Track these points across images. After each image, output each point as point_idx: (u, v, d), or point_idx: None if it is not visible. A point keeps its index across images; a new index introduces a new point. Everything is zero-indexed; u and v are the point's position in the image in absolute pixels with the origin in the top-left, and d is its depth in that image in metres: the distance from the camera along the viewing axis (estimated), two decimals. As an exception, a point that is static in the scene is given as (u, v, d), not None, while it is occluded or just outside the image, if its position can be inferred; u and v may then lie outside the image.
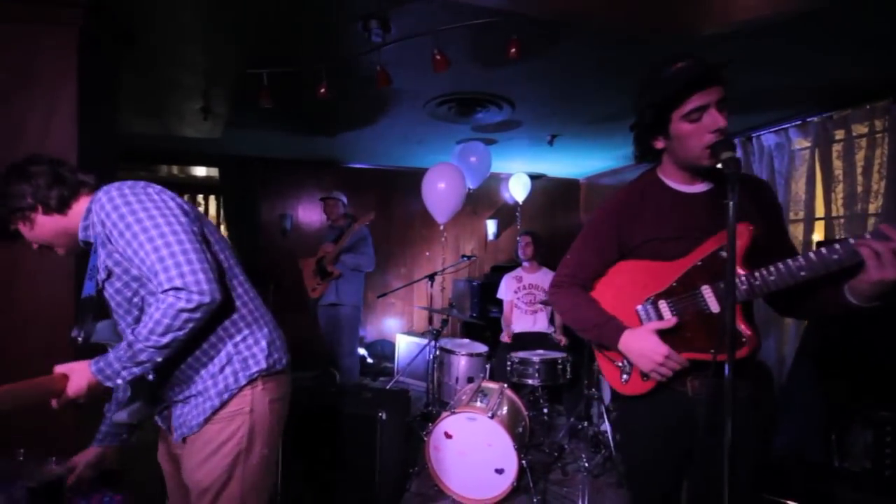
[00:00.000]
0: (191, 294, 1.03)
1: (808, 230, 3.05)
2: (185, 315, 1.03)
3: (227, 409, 1.17)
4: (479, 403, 2.58)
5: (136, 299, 1.16)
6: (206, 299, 1.04)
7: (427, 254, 5.58)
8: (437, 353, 3.37)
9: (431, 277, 3.64)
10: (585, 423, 2.92)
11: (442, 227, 4.01)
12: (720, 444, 0.94)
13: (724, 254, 1.10)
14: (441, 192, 3.55)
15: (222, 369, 1.17)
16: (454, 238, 5.72)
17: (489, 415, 2.45)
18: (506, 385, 2.87)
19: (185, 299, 1.02)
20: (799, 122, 3.11)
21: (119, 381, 1.08)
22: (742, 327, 1.09)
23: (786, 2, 1.80)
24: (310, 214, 5.31)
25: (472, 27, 1.92)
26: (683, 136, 1.12)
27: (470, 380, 3.23)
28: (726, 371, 0.95)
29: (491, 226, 5.71)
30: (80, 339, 1.15)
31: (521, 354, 3.08)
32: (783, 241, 1.20)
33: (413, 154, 4.78)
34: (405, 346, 4.72)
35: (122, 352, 1.06)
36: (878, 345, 2.07)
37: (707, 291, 1.13)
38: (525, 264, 3.68)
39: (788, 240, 1.23)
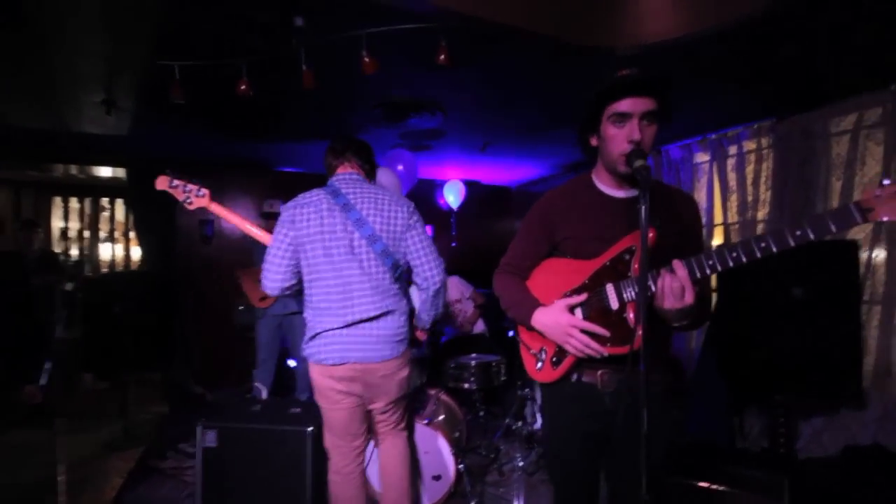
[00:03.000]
0: None
1: (709, 235, 3.40)
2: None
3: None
4: (414, 411, 2.55)
5: None
6: None
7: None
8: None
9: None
10: (519, 423, 2.99)
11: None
12: (627, 432, 1.02)
13: (627, 256, 1.21)
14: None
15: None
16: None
17: (425, 422, 2.42)
18: (442, 390, 2.87)
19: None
20: (699, 139, 3.46)
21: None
22: (631, 323, 1.17)
23: (688, 29, 2.00)
24: (235, 220, 4.98)
25: (401, 32, 1.91)
26: (608, 138, 1.20)
27: (406, 387, 3.19)
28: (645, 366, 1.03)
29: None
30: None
31: (457, 359, 3.10)
32: (696, 253, 1.29)
33: (346, 159, 4.66)
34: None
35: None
36: (772, 337, 2.34)
37: (610, 289, 1.22)
38: None
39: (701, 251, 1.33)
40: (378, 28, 1.90)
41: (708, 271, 1.07)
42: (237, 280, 3.58)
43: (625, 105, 1.16)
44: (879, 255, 2.46)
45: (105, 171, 5.68)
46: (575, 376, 1.29)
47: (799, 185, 2.79)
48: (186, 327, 4.40)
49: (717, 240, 3.45)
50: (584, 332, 1.21)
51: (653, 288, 1.12)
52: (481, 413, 3.15)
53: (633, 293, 1.17)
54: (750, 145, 3.13)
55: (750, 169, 3.11)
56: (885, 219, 0.89)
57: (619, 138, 1.18)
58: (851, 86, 2.54)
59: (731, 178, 3.24)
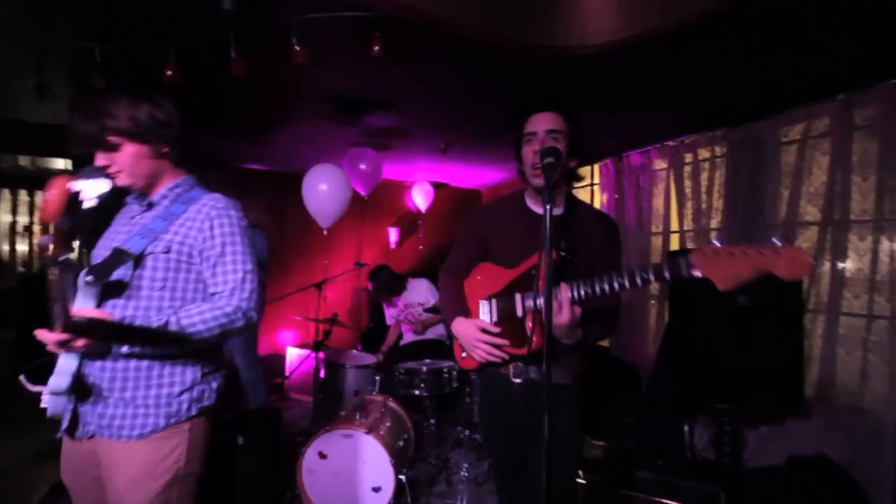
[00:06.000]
0: (248, 314, 1.17)
1: (666, 241, 3.39)
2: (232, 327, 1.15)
3: (168, 429, 1.14)
4: (357, 419, 2.44)
5: (174, 284, 1.17)
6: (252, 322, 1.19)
7: (326, 262, 5.33)
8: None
9: (318, 286, 3.44)
10: (467, 432, 2.90)
11: (325, 232, 3.80)
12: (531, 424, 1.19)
13: (534, 271, 1.32)
14: (323, 194, 3.37)
15: (181, 393, 1.16)
16: (355, 246, 5.54)
17: (365, 430, 2.32)
18: (391, 397, 2.77)
19: (241, 317, 1.15)
20: (658, 146, 3.46)
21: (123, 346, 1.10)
22: (528, 330, 1.30)
23: (636, 30, 1.96)
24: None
25: (337, 20, 1.82)
26: (523, 158, 1.38)
27: (357, 393, 3.07)
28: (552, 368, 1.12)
29: (392, 234, 5.62)
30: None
31: (409, 365, 3.00)
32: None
33: (306, 156, 4.53)
34: (297, 359, 4.42)
35: (153, 324, 1.06)
36: (717, 345, 2.32)
37: (517, 298, 1.36)
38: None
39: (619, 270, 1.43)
40: (312, 15, 1.80)
41: (582, 295, 1.21)
42: None
43: (531, 124, 1.35)
44: (824, 265, 2.47)
45: (59, 163, 5.42)
46: (493, 367, 1.43)
47: (749, 193, 2.79)
48: None
49: (674, 247, 3.45)
50: (491, 336, 1.36)
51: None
52: (432, 421, 3.05)
53: (531, 304, 1.31)
54: (705, 153, 3.14)
55: (704, 176, 3.12)
56: (700, 275, 1.03)
57: (528, 154, 1.34)
58: (800, 95, 2.55)
59: (687, 185, 3.24)
